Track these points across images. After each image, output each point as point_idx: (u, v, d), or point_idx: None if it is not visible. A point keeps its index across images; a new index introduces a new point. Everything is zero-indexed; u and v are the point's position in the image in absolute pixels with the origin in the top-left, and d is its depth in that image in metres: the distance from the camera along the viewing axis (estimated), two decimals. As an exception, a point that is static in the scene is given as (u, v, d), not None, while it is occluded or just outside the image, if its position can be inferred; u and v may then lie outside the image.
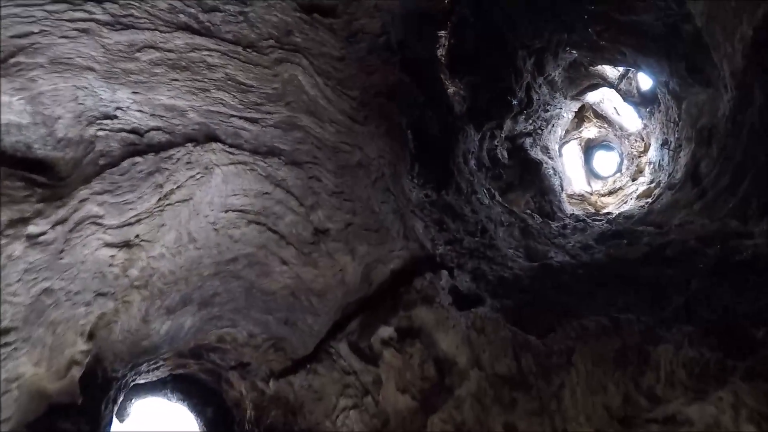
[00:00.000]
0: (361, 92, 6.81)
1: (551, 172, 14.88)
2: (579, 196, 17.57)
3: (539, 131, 14.99)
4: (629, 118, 17.55)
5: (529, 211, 12.98)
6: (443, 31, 10.07)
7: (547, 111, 14.82)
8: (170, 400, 9.40)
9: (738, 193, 8.92)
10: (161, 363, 7.60)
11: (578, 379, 6.54)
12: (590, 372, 6.47)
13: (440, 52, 10.42)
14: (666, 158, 14.28)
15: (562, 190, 15.39)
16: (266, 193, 6.03)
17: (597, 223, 13.80)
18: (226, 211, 6.05)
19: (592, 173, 20.30)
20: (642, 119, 16.45)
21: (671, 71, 11.86)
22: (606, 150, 20.17)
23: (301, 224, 6.42)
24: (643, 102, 15.36)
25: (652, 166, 15.82)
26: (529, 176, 14.10)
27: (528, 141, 14.37)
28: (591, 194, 18.04)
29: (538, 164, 14.33)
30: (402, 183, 7.57)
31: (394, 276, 7.13)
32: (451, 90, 10.45)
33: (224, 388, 8.55)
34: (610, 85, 15.73)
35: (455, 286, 7.20)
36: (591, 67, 15.01)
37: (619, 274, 8.08)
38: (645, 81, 14.78)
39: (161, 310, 6.14)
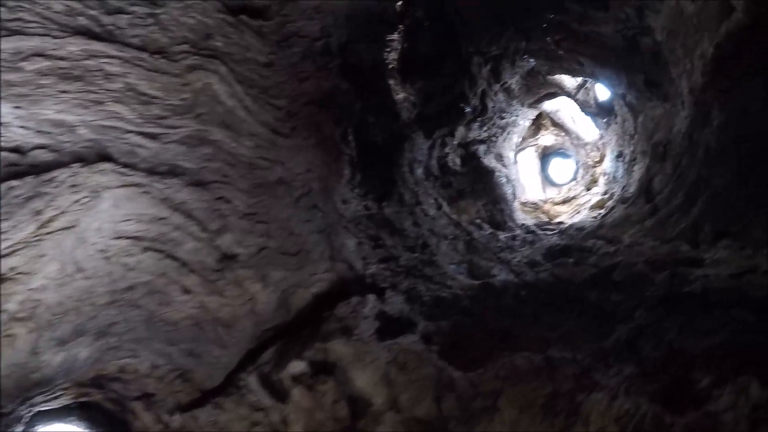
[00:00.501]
0: (290, 101, 6.17)
1: (504, 180, 14.45)
2: (533, 204, 17.15)
3: (494, 138, 14.53)
4: (586, 127, 17.20)
5: (478, 221, 12.51)
6: (394, 35, 9.46)
7: (503, 118, 14.37)
8: (77, 427, 8.70)
9: (690, 214, 8.54)
10: (60, 393, 6.99)
11: (502, 428, 6.00)
12: (516, 420, 5.96)
13: (390, 56, 9.81)
14: (620, 170, 13.94)
15: (515, 198, 14.99)
16: (162, 218, 5.33)
17: (548, 233, 13.43)
18: (118, 238, 5.37)
19: (547, 180, 19.93)
20: (599, 129, 16.04)
21: (629, 84, 11.49)
22: (562, 157, 19.82)
23: (205, 250, 5.71)
24: (600, 113, 14.99)
25: (606, 177, 15.50)
26: (481, 184, 13.63)
27: (482, 148, 13.89)
28: (545, 202, 17.64)
29: (491, 172, 13.88)
30: (334, 198, 6.98)
31: (317, 300, 6.48)
32: (400, 96, 9.87)
33: (129, 418, 7.86)
34: (568, 95, 15.34)
35: (383, 311, 6.60)
36: (549, 76, 14.57)
37: (564, 296, 7.61)
38: (602, 92, 14.43)
39: (52, 342, 5.52)
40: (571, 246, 10.51)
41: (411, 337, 6.50)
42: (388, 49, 9.46)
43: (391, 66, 9.96)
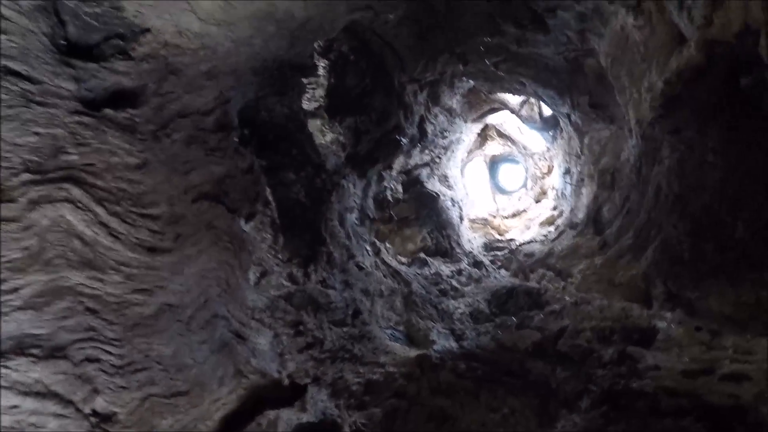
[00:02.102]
0: (171, 205, 4.99)
1: (449, 203, 13.63)
2: (482, 220, 16.41)
3: (437, 159, 13.70)
4: (533, 138, 16.36)
5: (422, 254, 11.65)
6: (313, 77, 8.45)
7: (446, 137, 13.53)
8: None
9: (641, 261, 7.81)
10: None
11: None
12: None
13: (311, 101, 8.81)
14: (568, 189, 13.23)
15: (462, 220, 14.15)
16: (14, 407, 4.11)
17: (498, 255, 12.69)
18: None
19: (497, 188, 19.18)
20: (545, 142, 15.26)
21: (573, 105, 10.75)
22: (511, 163, 19.01)
23: (74, 423, 4.49)
24: (545, 127, 14.23)
25: (555, 192, 14.84)
26: (426, 210, 12.81)
27: (425, 172, 13.05)
28: (494, 216, 16.88)
29: (435, 197, 13.06)
30: (241, 294, 5.94)
31: (227, 422, 5.37)
32: (328, 137, 8.89)
33: None
34: (512, 111, 14.50)
35: (300, 425, 5.59)
36: (491, 95, 13.69)
37: (507, 368, 6.73)
38: (547, 107, 13.49)
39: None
40: (517, 289, 9.67)
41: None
42: (307, 95, 8.45)
43: (315, 107, 8.95)
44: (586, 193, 11.51)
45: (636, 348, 6.04)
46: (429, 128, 12.10)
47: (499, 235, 15.70)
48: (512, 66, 10.85)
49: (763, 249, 5.83)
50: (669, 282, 7.08)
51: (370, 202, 10.72)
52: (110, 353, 4.55)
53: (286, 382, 5.99)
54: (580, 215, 11.49)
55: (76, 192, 4.28)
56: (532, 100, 14.20)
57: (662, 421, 4.87)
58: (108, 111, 4.51)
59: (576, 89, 10.34)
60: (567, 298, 8.10)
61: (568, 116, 11.61)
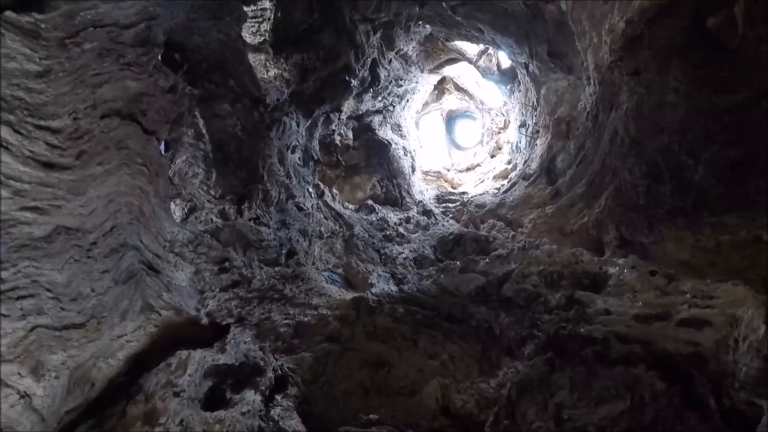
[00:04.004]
0: (74, 119, 4.23)
1: (401, 153, 13.01)
2: (435, 173, 15.86)
3: (390, 108, 13.02)
4: (491, 93, 15.81)
5: (370, 202, 11.02)
6: (254, 6, 7.70)
7: (401, 86, 12.85)
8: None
9: (594, 208, 7.32)
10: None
11: None
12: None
13: (254, 31, 8.06)
14: (523, 141, 12.72)
15: (414, 170, 13.54)
16: None
17: (449, 207, 12.15)
18: None
19: (453, 144, 18.62)
20: (503, 96, 14.69)
21: (531, 53, 10.19)
22: (469, 119, 18.43)
23: None
24: (503, 80, 13.67)
25: (510, 145, 14.33)
26: (376, 158, 12.25)
27: (377, 119, 12.39)
28: (449, 170, 16.37)
29: (387, 145, 12.44)
30: (156, 224, 5.22)
31: (133, 361, 4.64)
32: (272, 73, 8.17)
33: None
34: (469, 61, 13.84)
35: (216, 365, 4.91)
36: (448, 42, 13.01)
37: (448, 313, 6.18)
38: (506, 59, 12.93)
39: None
40: (465, 236, 9.12)
41: (250, 397, 4.83)
42: (251, 28, 7.71)
43: (260, 41, 8.21)
44: (541, 144, 11.02)
45: (585, 293, 5.50)
46: (382, 73, 11.43)
47: (453, 188, 15.22)
48: (470, 10, 10.23)
49: (724, 191, 5.33)
50: (622, 227, 6.59)
51: (316, 143, 10.05)
52: None
53: (205, 321, 5.32)
54: (534, 166, 11.02)
55: None
56: (491, 51, 13.59)
57: (611, 369, 4.32)
58: (9, 14, 3.77)
59: (535, 37, 9.81)
60: (516, 244, 7.54)
61: (526, 66, 11.08)
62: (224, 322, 5.48)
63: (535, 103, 11.53)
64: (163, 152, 5.47)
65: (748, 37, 4.82)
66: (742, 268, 4.99)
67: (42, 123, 4.07)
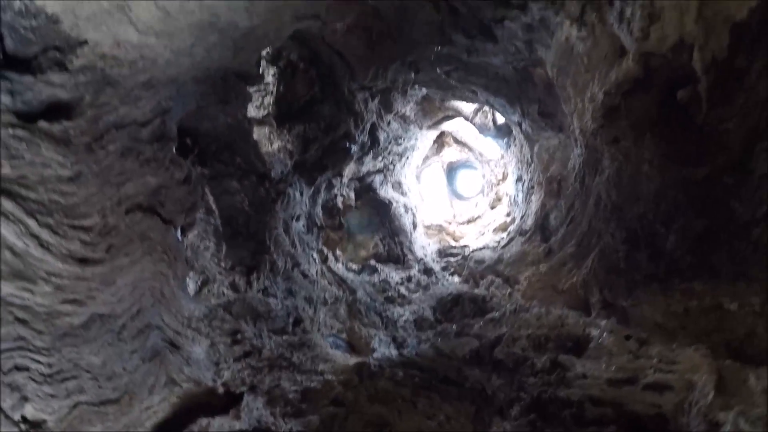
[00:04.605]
0: (103, 216, 4.91)
1: (402, 210, 13.63)
2: (437, 226, 16.48)
3: (391, 166, 13.70)
4: (489, 145, 16.45)
5: (373, 262, 11.63)
6: (259, 86, 8.43)
7: (400, 144, 13.53)
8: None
9: (582, 268, 7.86)
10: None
11: None
12: None
13: (258, 109, 8.79)
14: (520, 195, 13.32)
15: (415, 227, 14.21)
16: None
17: (450, 260, 12.75)
18: None
19: (455, 194, 19.24)
20: (500, 149, 15.36)
21: (523, 113, 10.85)
22: (469, 169, 19.09)
23: (6, 426, 4.43)
24: (499, 134, 14.34)
25: (509, 198, 14.93)
26: (378, 217, 12.79)
27: (378, 179, 13.04)
28: (450, 223, 16.99)
29: (388, 204, 13.06)
30: (175, 304, 5.88)
31: (158, 430, 5.33)
32: (275, 145, 8.87)
33: None
34: (465, 118, 14.54)
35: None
36: (444, 102, 13.74)
37: (444, 375, 6.76)
38: (500, 115, 13.58)
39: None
40: (463, 296, 9.73)
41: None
42: (255, 102, 8.43)
43: (263, 115, 8.94)
44: (535, 200, 11.63)
45: (567, 356, 6.09)
46: (381, 135, 12.11)
47: (454, 241, 15.79)
48: (463, 75, 10.89)
49: (692, 260, 5.91)
50: (605, 290, 7.16)
51: (319, 209, 10.70)
52: (39, 362, 4.52)
53: (221, 390, 5.95)
54: (529, 222, 11.61)
55: (7, 205, 4.19)
56: (486, 107, 14.26)
57: (586, 430, 4.90)
58: (42, 124, 4.42)
59: (526, 98, 10.42)
60: (508, 306, 8.14)
61: (519, 124, 11.71)
62: (238, 391, 6.09)
63: (530, 159, 12.13)
64: (179, 238, 6.14)
65: (711, 114, 5.27)
66: (708, 332, 5.54)
67: (76, 223, 4.73)
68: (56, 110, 4.68)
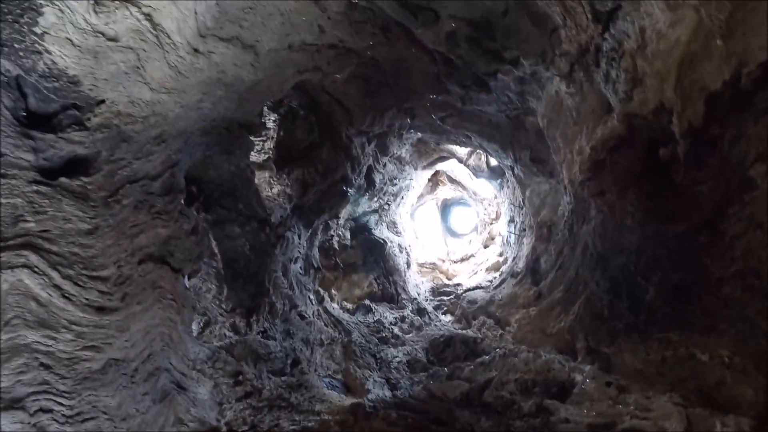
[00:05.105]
0: (119, 267, 5.37)
1: (397, 250, 14.06)
2: (431, 264, 16.87)
3: (386, 206, 14.16)
4: (483, 184, 16.88)
5: (367, 301, 12.03)
6: (261, 133, 8.92)
7: (395, 184, 13.99)
8: None
9: (569, 314, 8.27)
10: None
11: None
12: None
13: (255, 155, 9.27)
14: (512, 237, 13.73)
15: (409, 267, 14.61)
16: None
17: (443, 300, 13.14)
18: None
19: (449, 231, 19.66)
20: (494, 189, 15.82)
21: (516, 158, 11.30)
22: (463, 206, 19.53)
23: None
24: (492, 176, 14.77)
25: (501, 237, 15.31)
26: (373, 257, 13.22)
27: (373, 219, 13.49)
28: (444, 261, 17.38)
29: (383, 244, 13.49)
30: (183, 346, 6.32)
31: None
32: (275, 190, 9.34)
33: None
34: (459, 161, 15.04)
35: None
36: (439, 145, 14.25)
37: (436, 417, 7.14)
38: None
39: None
40: (455, 338, 10.15)
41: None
42: (256, 147, 8.90)
43: (264, 159, 9.42)
44: (527, 243, 12.06)
45: (552, 401, 6.48)
46: (377, 177, 12.57)
47: (448, 279, 16.16)
48: (458, 121, 11.34)
49: (669, 311, 6.30)
50: (589, 337, 7.56)
51: (316, 251, 11.14)
52: (62, 404, 4.91)
53: (224, 429, 6.36)
54: (521, 264, 12.03)
55: (33, 258, 4.63)
56: (479, 150, 14.75)
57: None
58: (63, 180, 4.87)
59: (518, 144, 10.85)
60: (498, 350, 8.55)
61: (512, 168, 12.16)
62: (240, 430, 6.51)
63: (521, 202, 12.58)
64: (187, 285, 6.59)
65: (688, 176, 5.61)
66: (683, 379, 5.94)
67: (94, 273, 5.18)
68: (75, 166, 5.14)
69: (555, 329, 8.82)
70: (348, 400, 7.85)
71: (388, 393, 8.15)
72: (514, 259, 12.55)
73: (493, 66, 8.36)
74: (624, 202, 6.80)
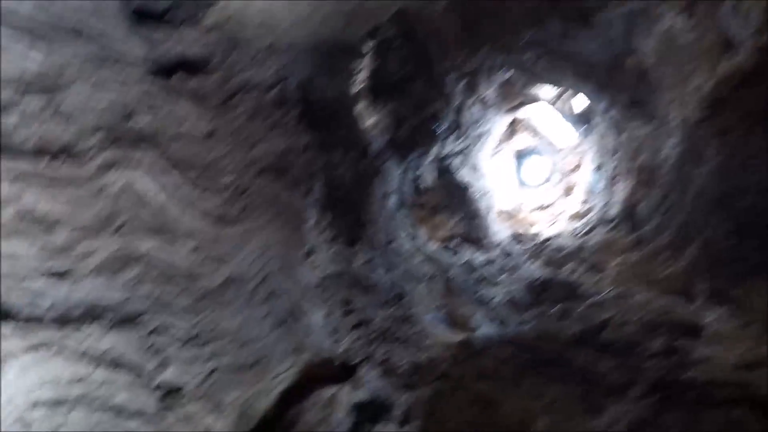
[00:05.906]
0: (238, 176, 5.12)
1: (478, 195, 13.77)
2: (508, 212, 16.55)
3: (469, 149, 13.82)
4: (563, 133, 16.52)
5: (453, 244, 11.84)
6: (360, 61, 8.70)
7: (478, 128, 13.68)
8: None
9: (680, 260, 7.95)
10: None
11: None
12: None
13: (357, 84, 9.06)
14: (600, 185, 13.34)
15: (490, 210, 14.31)
16: (81, 379, 4.03)
17: (525, 246, 12.89)
18: (35, 406, 3.94)
19: (525, 180, 19.33)
20: (576, 137, 15.42)
21: (612, 101, 10.90)
22: (538, 155, 19.16)
23: (143, 394, 4.45)
24: (578, 121, 14.36)
25: (585, 187, 14.91)
26: (456, 199, 12.98)
27: (456, 161, 13.22)
28: (521, 209, 17.03)
29: (465, 188, 13.19)
30: (296, 271, 6.17)
31: (284, 397, 5.52)
32: (371, 120, 9.13)
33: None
34: (543, 104, 14.67)
35: (356, 403, 5.83)
36: (525, 88, 13.91)
37: (549, 358, 6.96)
38: (580, 102, 13.71)
39: None
40: (552, 281, 9.92)
41: (386, 427, 5.77)
42: (353, 79, 8.70)
43: (359, 88, 9.21)
44: (621, 189, 11.70)
45: (684, 341, 6.26)
46: (464, 118, 12.30)
47: (527, 227, 15.89)
48: (553, 59, 11.03)
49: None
50: (711, 280, 7.29)
51: (408, 187, 10.96)
52: (180, 324, 4.57)
53: (339, 359, 6.26)
54: (613, 211, 11.69)
55: (146, 158, 4.31)
56: (565, 96, 14.38)
57: (714, 412, 5.09)
58: (178, 77, 4.67)
59: (615, 86, 10.51)
60: (609, 291, 8.32)
61: (606, 112, 11.79)
62: (354, 361, 6.40)
63: (615, 147, 12.22)
64: (303, 204, 6.44)
65: None
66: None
67: (211, 182, 4.95)
68: (189, 67, 4.94)
69: (664, 274, 8.54)
70: (455, 337, 7.72)
71: (495, 330, 8.00)
72: (604, 206, 12.17)
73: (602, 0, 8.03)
74: (750, 140, 6.47)
